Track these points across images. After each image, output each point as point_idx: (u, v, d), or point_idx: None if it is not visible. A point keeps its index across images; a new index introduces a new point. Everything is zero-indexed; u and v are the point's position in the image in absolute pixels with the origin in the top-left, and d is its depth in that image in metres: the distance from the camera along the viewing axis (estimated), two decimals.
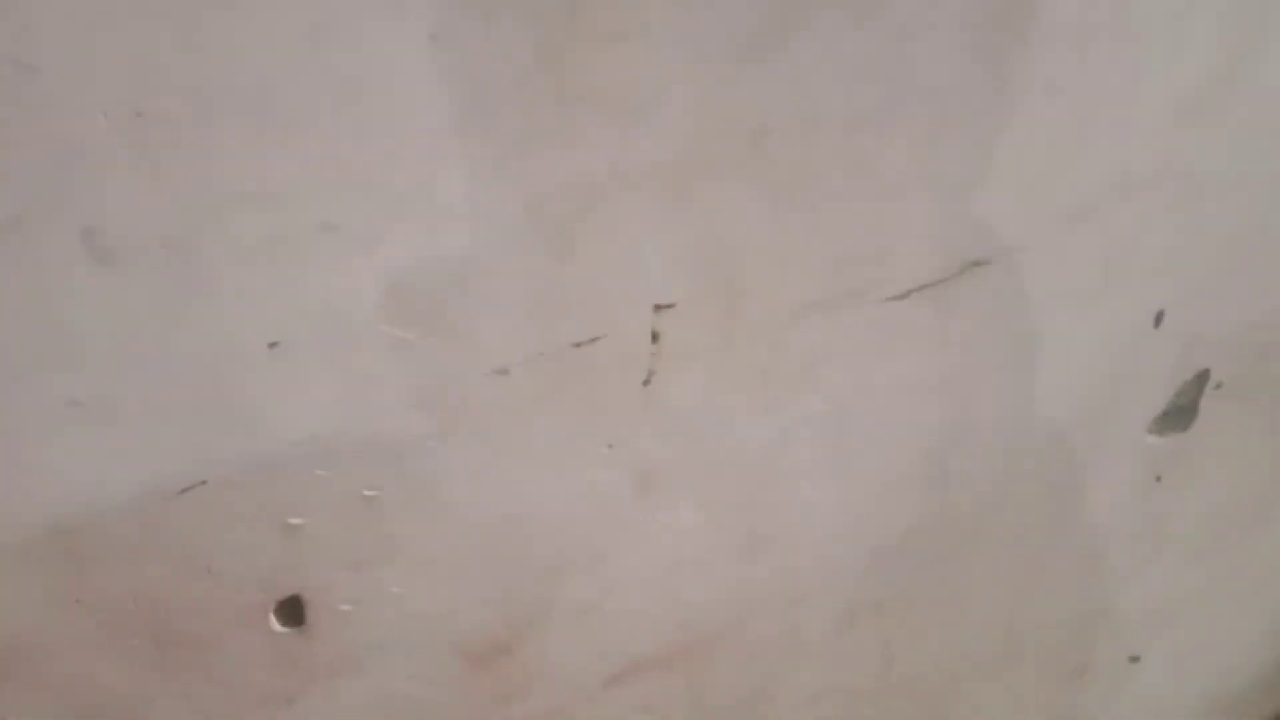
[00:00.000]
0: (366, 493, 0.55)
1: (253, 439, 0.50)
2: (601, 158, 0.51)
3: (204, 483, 0.50)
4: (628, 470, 0.62)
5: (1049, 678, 0.94)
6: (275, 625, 0.56)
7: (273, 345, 0.48)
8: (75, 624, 0.50)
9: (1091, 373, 0.78)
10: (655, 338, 0.59)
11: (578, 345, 0.56)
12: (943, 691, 0.87)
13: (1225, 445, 0.88)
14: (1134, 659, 0.96)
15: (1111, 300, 0.76)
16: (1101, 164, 0.70)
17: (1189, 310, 0.79)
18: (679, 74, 0.51)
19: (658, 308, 0.57)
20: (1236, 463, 0.90)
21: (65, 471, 0.46)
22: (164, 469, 0.48)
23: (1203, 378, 0.84)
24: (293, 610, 0.56)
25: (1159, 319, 0.78)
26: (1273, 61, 0.72)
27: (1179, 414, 0.84)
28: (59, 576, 0.49)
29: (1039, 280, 0.72)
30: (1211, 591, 0.98)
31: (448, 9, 0.45)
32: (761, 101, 0.53)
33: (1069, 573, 0.89)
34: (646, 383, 0.59)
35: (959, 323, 0.69)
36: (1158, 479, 0.87)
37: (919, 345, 0.69)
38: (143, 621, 0.52)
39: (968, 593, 0.84)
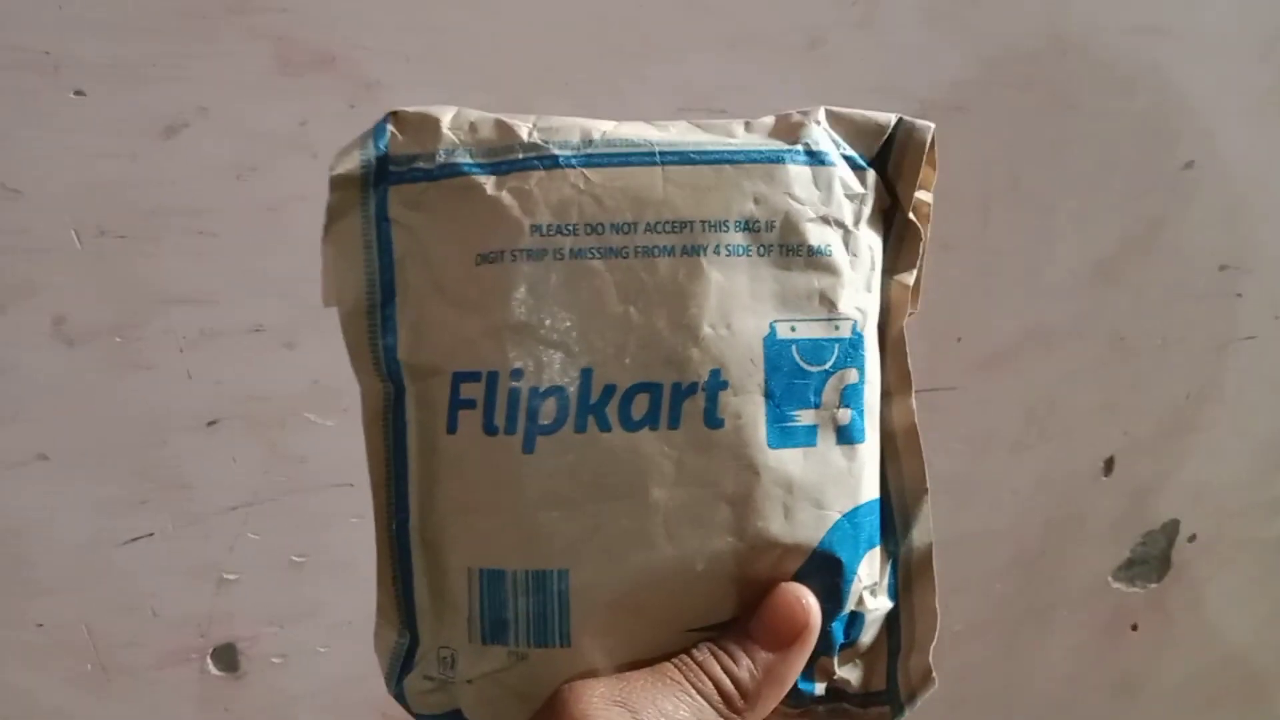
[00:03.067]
0: (294, 557, 0.64)
1: (191, 501, 0.60)
2: None
3: (150, 535, 0.60)
4: None
5: None
6: (211, 669, 0.64)
7: (210, 423, 0.58)
8: (35, 643, 0.59)
9: (1037, 515, 0.80)
10: None
11: None
12: None
13: (1205, 599, 0.88)
14: None
15: (1051, 447, 0.79)
16: (1017, 317, 0.75)
17: (1142, 460, 0.81)
18: None
19: None
20: (1218, 618, 0.90)
21: (30, 511, 0.57)
22: (113, 520, 0.58)
23: (1171, 528, 0.85)
24: (227, 656, 0.64)
25: (1109, 467, 0.81)
26: (1193, 228, 0.76)
27: (1148, 564, 0.85)
28: (19, 602, 0.59)
29: (963, 422, 0.76)
30: None
31: None
32: None
33: (1034, 716, 0.89)
34: None
35: None
36: (1134, 628, 0.88)
37: None
38: (93, 649, 0.62)
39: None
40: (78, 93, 0.50)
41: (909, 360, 0.36)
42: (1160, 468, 0.84)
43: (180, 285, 0.55)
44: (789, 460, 0.32)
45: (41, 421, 0.55)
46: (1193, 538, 0.85)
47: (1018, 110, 0.71)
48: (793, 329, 0.33)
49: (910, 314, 0.36)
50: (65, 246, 0.52)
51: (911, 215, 0.35)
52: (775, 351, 0.33)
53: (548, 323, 0.32)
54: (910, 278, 0.36)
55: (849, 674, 0.35)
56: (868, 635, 0.35)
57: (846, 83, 0.65)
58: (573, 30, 0.60)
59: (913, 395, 0.35)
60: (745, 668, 0.32)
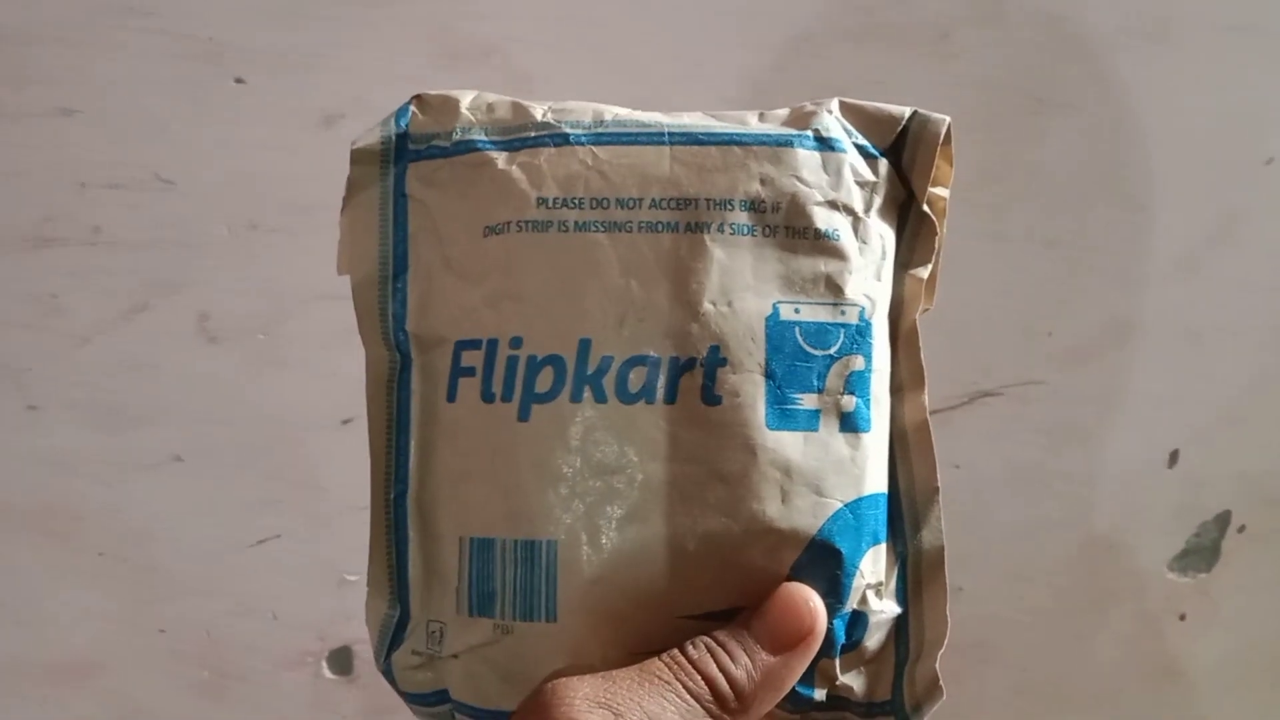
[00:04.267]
0: None
1: (322, 501, 0.58)
2: None
3: (278, 536, 0.58)
4: None
5: None
6: (326, 672, 0.63)
7: (345, 421, 0.57)
8: (154, 649, 0.58)
9: (1104, 506, 0.82)
10: None
11: None
12: None
13: (1250, 588, 0.90)
14: None
15: (1122, 438, 0.81)
16: (1102, 312, 0.76)
17: (1203, 452, 0.83)
18: None
19: None
20: (1262, 608, 0.92)
21: (161, 514, 0.55)
22: (243, 522, 0.57)
23: (1223, 519, 0.87)
24: (342, 660, 0.63)
25: (1174, 459, 0.83)
26: (1271, 222, 0.79)
27: (1200, 554, 0.87)
28: (145, 606, 0.57)
29: (1048, 415, 0.77)
30: None
31: None
32: None
33: (1085, 703, 0.91)
34: None
35: (968, 449, 0.75)
36: (1181, 617, 0.90)
37: None
38: (211, 655, 0.60)
39: (981, 712, 0.87)
40: (238, 80, 0.49)
41: (922, 355, 0.35)
42: (1218, 459, 0.85)
43: (327, 282, 0.54)
44: (788, 443, 0.32)
45: (178, 422, 0.54)
46: (1242, 528, 0.87)
47: (1120, 107, 0.72)
48: (796, 311, 0.32)
49: (924, 309, 0.35)
50: (215, 240, 0.51)
51: (927, 209, 0.35)
52: (777, 332, 0.32)
53: (549, 292, 0.32)
54: (925, 272, 0.35)
55: (853, 681, 0.33)
56: (873, 640, 0.33)
57: (970, 77, 0.66)
58: (717, 25, 0.60)
59: (925, 391, 0.35)
60: (743, 667, 0.31)
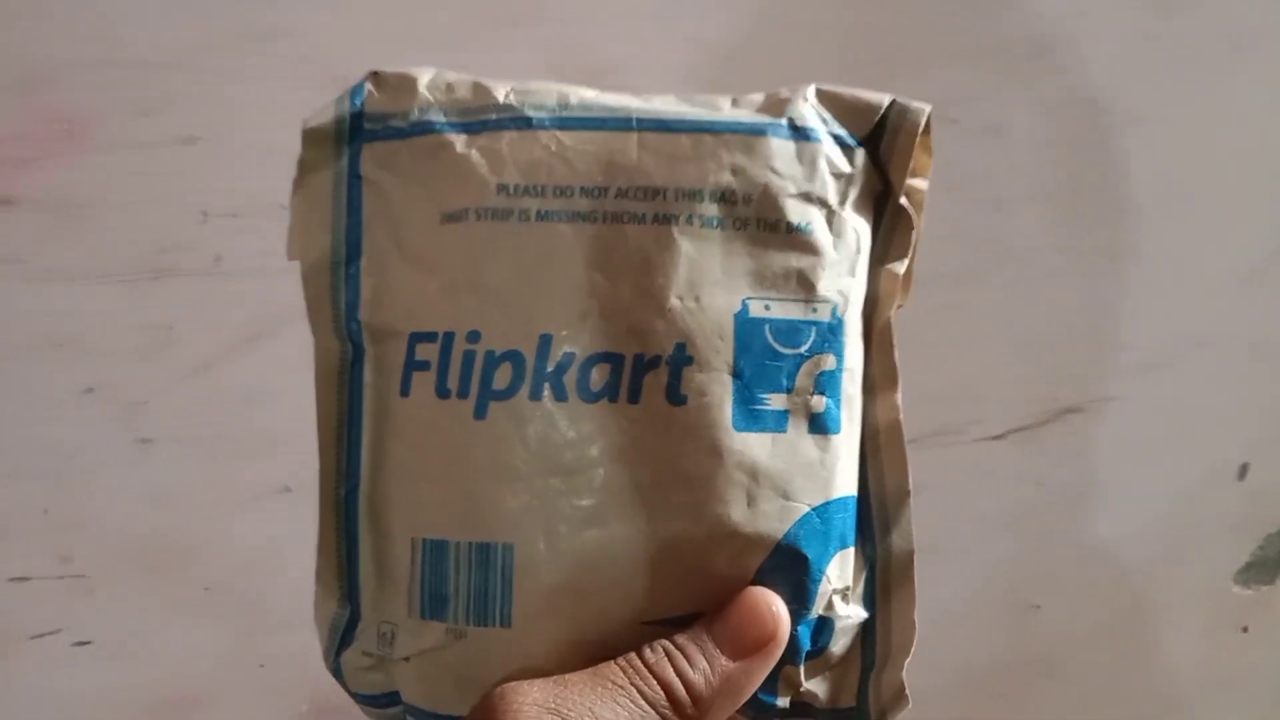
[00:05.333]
0: None
1: None
2: None
3: None
4: None
5: None
6: None
7: None
8: (253, 684, 0.57)
9: (1174, 518, 0.82)
10: None
11: None
12: None
13: None
14: None
15: (1193, 451, 0.81)
16: (1174, 325, 0.76)
17: (1272, 465, 0.83)
18: None
19: None
20: None
21: (266, 545, 0.54)
22: None
23: None
24: None
25: (1243, 471, 0.83)
26: None
27: (1264, 566, 0.87)
28: (245, 641, 0.56)
29: (1128, 430, 0.76)
30: None
31: None
32: None
33: (1145, 717, 0.90)
34: None
35: (1046, 464, 0.74)
36: (1244, 630, 0.90)
37: (1010, 485, 0.74)
38: (309, 689, 0.59)
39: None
40: None
41: (896, 354, 0.34)
42: None
43: None
44: (755, 445, 0.31)
45: (289, 452, 0.53)
46: None
47: (1194, 118, 0.73)
48: (766, 307, 0.31)
49: (900, 306, 0.34)
50: None
51: (904, 201, 0.33)
52: (746, 330, 0.31)
53: (508, 285, 0.31)
54: (901, 267, 0.34)
55: (817, 687, 0.32)
56: (838, 645, 0.33)
57: (1059, 90, 0.66)
58: (818, 39, 0.61)
59: (898, 391, 0.33)
60: (701, 672, 0.30)
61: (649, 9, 0.57)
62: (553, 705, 0.28)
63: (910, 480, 0.33)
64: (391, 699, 0.33)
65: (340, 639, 0.33)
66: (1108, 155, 0.70)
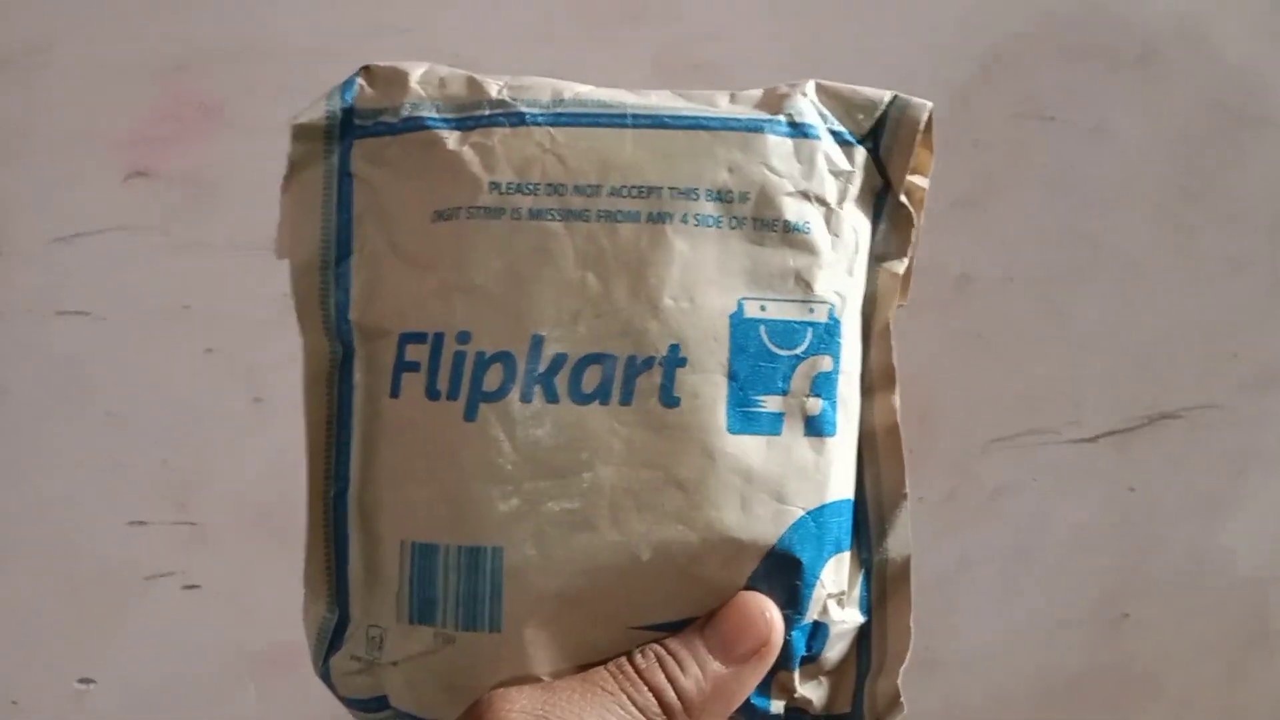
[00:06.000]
0: None
1: None
2: None
3: None
4: None
5: None
6: None
7: None
8: None
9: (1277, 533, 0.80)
10: None
11: None
12: None
13: None
14: None
15: None
16: None
17: None
18: None
19: None
20: None
21: None
22: None
23: None
24: None
25: None
26: None
27: None
28: None
29: (1229, 440, 0.74)
30: None
31: None
32: (965, 251, 0.61)
33: None
34: None
35: (1144, 471, 0.73)
36: None
37: (1102, 488, 0.73)
38: None
39: None
40: None
41: (894, 355, 0.33)
42: None
43: None
44: (749, 448, 0.30)
45: None
46: None
47: None
48: (762, 308, 0.31)
49: (899, 305, 0.33)
50: None
51: (904, 199, 0.33)
52: (741, 330, 0.30)
53: (499, 285, 0.30)
54: (900, 266, 0.33)
55: (811, 693, 0.32)
56: (834, 651, 0.32)
57: (1173, 94, 0.65)
58: (924, 38, 0.61)
59: (896, 393, 0.33)
60: (693, 678, 0.29)
61: (755, 6, 0.58)
62: (540, 712, 0.28)
63: (907, 484, 0.33)
64: (381, 703, 0.32)
65: (329, 643, 0.32)
66: (1226, 160, 0.69)
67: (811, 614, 0.31)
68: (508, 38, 0.52)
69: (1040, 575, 0.76)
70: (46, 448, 0.50)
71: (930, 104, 0.32)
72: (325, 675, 0.33)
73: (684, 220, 0.30)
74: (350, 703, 0.32)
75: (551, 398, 0.30)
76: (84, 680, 0.53)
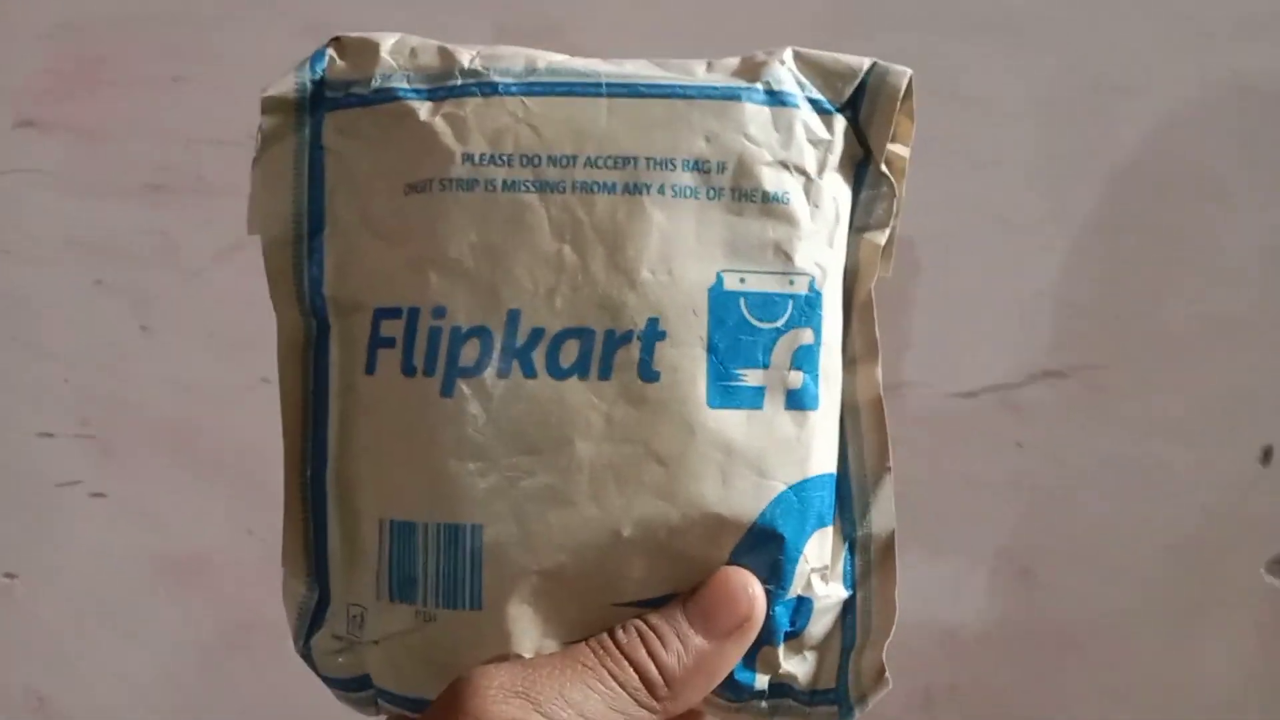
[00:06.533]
0: None
1: None
2: None
3: None
4: None
5: None
6: None
7: None
8: (249, 551, 0.65)
9: (1191, 502, 0.79)
10: None
11: None
12: None
13: None
14: None
15: (1209, 433, 0.78)
16: (1188, 302, 0.74)
17: None
18: None
19: None
20: None
21: (254, 431, 0.63)
22: None
23: None
24: None
25: (1267, 456, 0.80)
26: None
27: None
28: (242, 512, 0.65)
29: (1124, 403, 0.74)
30: None
31: None
32: None
33: (1195, 712, 0.87)
34: None
35: (1032, 428, 0.73)
36: None
37: (987, 442, 0.73)
38: None
39: (1063, 698, 0.84)
40: None
41: (876, 327, 0.33)
42: None
43: None
44: (730, 422, 0.30)
45: (268, 349, 0.61)
46: None
47: (1194, 94, 0.71)
48: (742, 280, 0.30)
49: (881, 276, 0.33)
50: None
51: (885, 169, 0.32)
52: (721, 303, 0.30)
53: (474, 259, 0.30)
54: (882, 236, 0.33)
55: (796, 668, 0.32)
56: (818, 626, 0.32)
57: (1038, 63, 0.67)
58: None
59: (879, 366, 0.33)
60: (675, 653, 0.29)
61: None
62: (520, 689, 0.28)
63: (891, 457, 0.32)
64: (362, 683, 0.32)
65: (310, 622, 0.32)
66: (1095, 127, 0.69)
67: (795, 589, 0.31)
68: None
69: (933, 527, 0.77)
70: None
71: (910, 71, 0.32)
72: (307, 655, 0.32)
73: (661, 191, 0.30)
74: (332, 683, 0.32)
75: (529, 373, 0.30)
76: (8, 575, 0.60)
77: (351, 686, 0.32)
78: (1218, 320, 0.77)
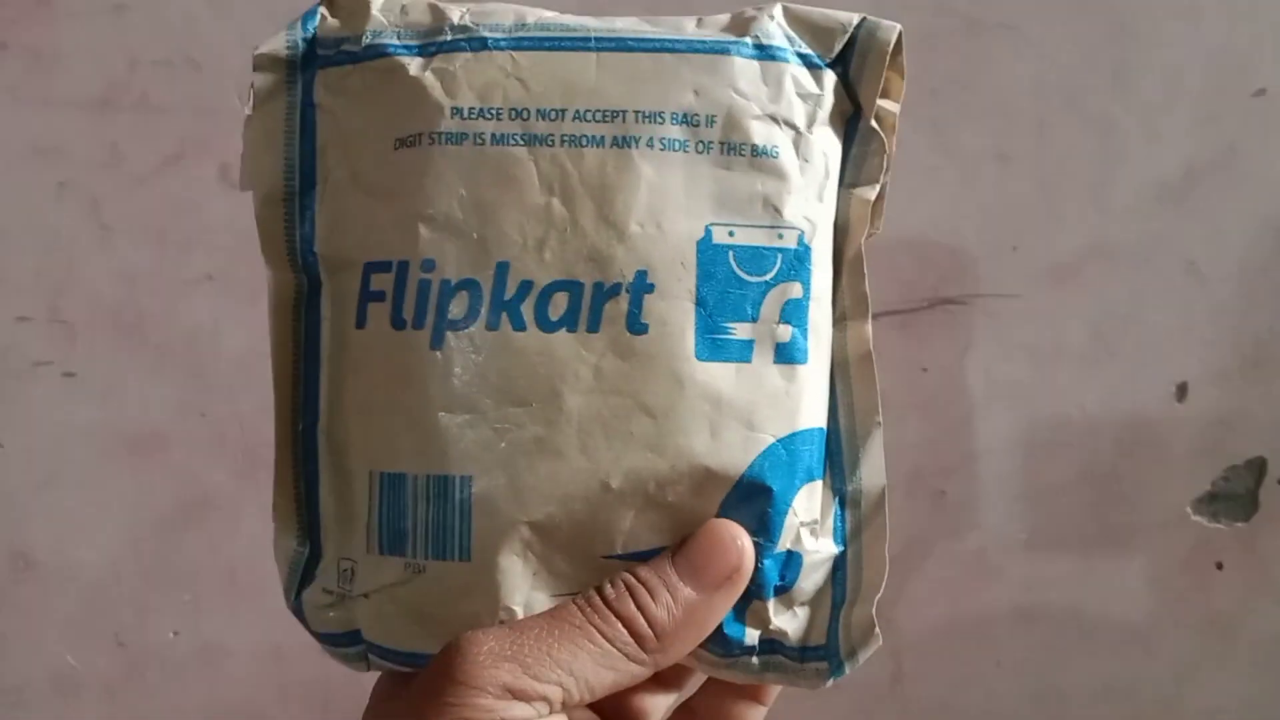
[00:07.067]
0: None
1: None
2: None
3: None
4: None
5: None
6: None
7: None
8: (201, 431, 0.68)
9: (1104, 431, 0.80)
10: None
11: None
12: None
13: None
14: None
15: (1117, 366, 0.78)
16: (1079, 233, 0.75)
17: (1220, 390, 0.80)
18: None
19: None
20: None
21: (203, 322, 0.71)
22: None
23: (1257, 466, 0.84)
24: None
25: (1182, 392, 0.81)
26: (1271, 156, 0.77)
27: (1232, 501, 0.84)
28: (194, 395, 0.67)
29: (1024, 330, 0.76)
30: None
31: None
32: None
33: (1109, 642, 0.87)
34: None
35: (935, 354, 0.75)
36: (1219, 566, 0.86)
37: (891, 366, 0.72)
38: (245, 442, 0.70)
39: (984, 622, 0.84)
40: None
41: (867, 283, 0.33)
42: (1241, 402, 0.81)
43: None
44: (718, 374, 0.30)
45: (209, 250, 0.69)
46: None
47: (1073, 33, 0.73)
48: (730, 234, 0.31)
49: (871, 233, 0.33)
50: (232, 109, 0.65)
51: (875, 124, 0.32)
52: (709, 256, 0.30)
53: (463, 212, 0.30)
54: (872, 192, 0.33)
55: (786, 624, 0.32)
56: (808, 581, 0.32)
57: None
58: None
59: (869, 322, 0.33)
60: (664, 605, 0.29)
61: None
62: (509, 653, 0.28)
63: (881, 412, 0.33)
64: (353, 639, 0.32)
65: (300, 577, 0.32)
66: (971, 62, 0.71)
67: (784, 543, 0.31)
68: None
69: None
70: None
71: (899, 26, 0.32)
72: (298, 610, 0.33)
73: (650, 145, 0.30)
74: (323, 638, 0.33)
75: (518, 325, 0.30)
76: None
77: (342, 641, 0.32)
78: (1116, 253, 0.77)
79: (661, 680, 0.33)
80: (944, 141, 0.72)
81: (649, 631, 0.29)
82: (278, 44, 0.32)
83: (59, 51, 0.63)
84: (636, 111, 0.30)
